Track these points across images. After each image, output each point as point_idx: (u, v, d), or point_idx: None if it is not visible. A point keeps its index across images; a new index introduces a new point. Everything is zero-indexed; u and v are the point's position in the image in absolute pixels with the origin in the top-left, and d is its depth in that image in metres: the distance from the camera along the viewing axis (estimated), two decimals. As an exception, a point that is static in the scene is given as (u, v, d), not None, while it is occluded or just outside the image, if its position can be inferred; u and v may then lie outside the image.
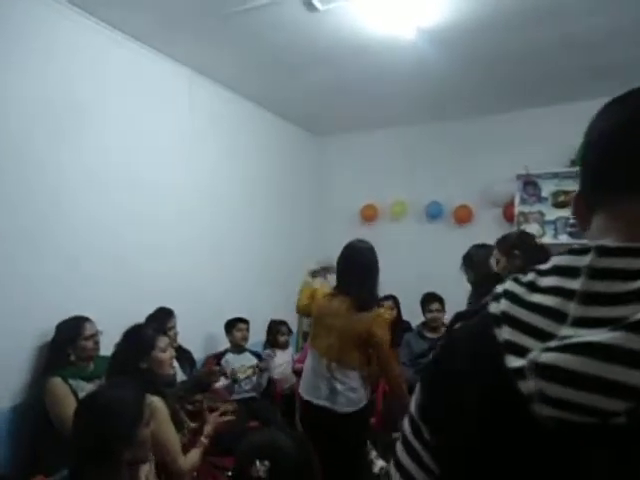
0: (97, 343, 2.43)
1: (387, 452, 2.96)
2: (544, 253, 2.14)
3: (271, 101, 4.31)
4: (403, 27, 2.96)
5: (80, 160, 2.76)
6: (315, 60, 3.41)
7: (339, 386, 2.36)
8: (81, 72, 2.76)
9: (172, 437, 1.78)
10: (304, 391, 2.51)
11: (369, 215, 5.02)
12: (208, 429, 1.97)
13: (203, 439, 1.93)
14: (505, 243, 2.28)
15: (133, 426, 1.32)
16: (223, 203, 3.94)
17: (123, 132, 3.03)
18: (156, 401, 1.74)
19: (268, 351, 3.75)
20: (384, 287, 4.19)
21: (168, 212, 3.39)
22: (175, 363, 3.09)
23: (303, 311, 2.70)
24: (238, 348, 3.56)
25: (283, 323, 3.88)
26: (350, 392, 2.36)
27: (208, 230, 3.76)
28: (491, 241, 4.48)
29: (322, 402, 2.39)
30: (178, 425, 1.94)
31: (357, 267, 2.42)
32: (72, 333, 2.37)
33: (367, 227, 5.06)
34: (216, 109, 3.86)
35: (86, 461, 1.26)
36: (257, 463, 1.02)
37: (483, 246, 2.72)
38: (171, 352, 2.02)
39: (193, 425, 2.04)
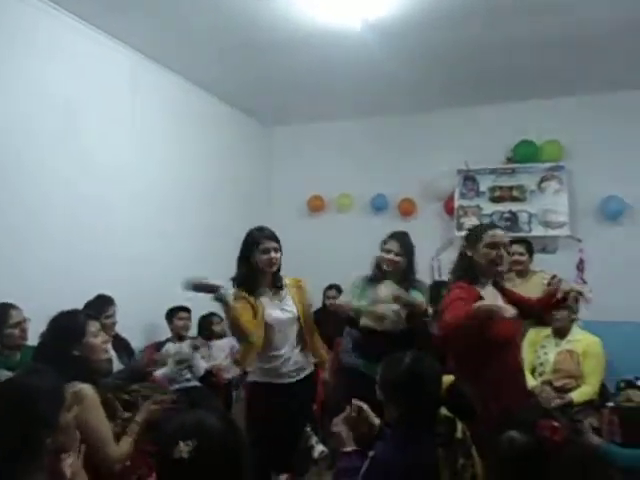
0: (24, 331, 2.33)
1: (328, 439, 3.02)
2: None
3: (219, 88, 4.23)
4: (349, 18, 2.99)
5: (28, 141, 2.68)
6: (262, 48, 3.38)
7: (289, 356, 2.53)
8: (22, 49, 2.63)
9: (102, 425, 1.73)
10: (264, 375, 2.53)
11: (316, 206, 5.05)
12: (140, 416, 1.93)
13: (134, 425, 1.89)
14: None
15: (52, 411, 1.27)
16: (170, 191, 3.86)
17: (67, 114, 2.95)
18: (86, 388, 1.69)
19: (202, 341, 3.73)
20: (329, 276, 4.30)
21: (113, 196, 3.30)
22: (112, 352, 3.01)
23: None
24: (179, 337, 3.50)
25: (213, 314, 3.84)
26: (299, 361, 2.55)
27: (153, 217, 3.67)
28: (433, 233, 4.66)
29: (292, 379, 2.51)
30: (111, 414, 1.89)
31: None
32: (-4, 321, 2.25)
33: (314, 218, 5.10)
34: (162, 94, 3.76)
35: (5, 450, 1.21)
36: (181, 444, 1.00)
37: None
38: (103, 336, 1.96)
39: (127, 414, 2.00)
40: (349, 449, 1.54)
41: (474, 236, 2.15)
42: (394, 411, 1.51)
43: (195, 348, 3.43)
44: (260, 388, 2.51)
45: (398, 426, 1.50)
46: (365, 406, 1.66)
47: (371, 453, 1.45)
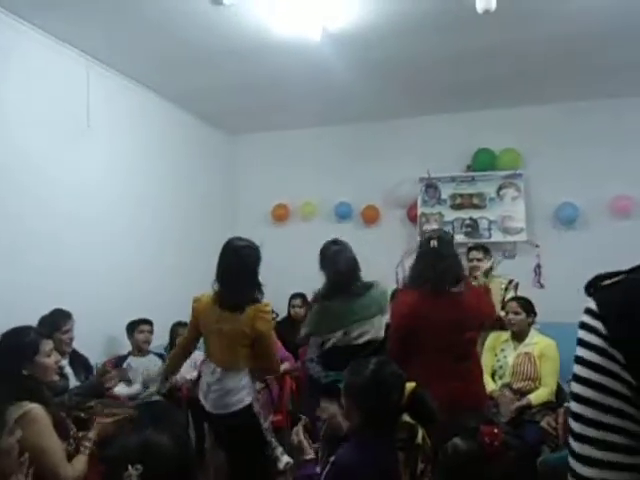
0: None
1: (293, 449, 3.00)
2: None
3: (179, 97, 4.18)
4: (309, 28, 3.01)
5: None
6: (220, 56, 3.37)
7: (213, 391, 2.39)
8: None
9: (53, 445, 1.67)
10: (201, 397, 2.50)
11: (280, 215, 5.05)
12: (92, 433, 1.87)
13: (87, 443, 1.83)
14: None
15: None
16: (130, 202, 3.78)
17: (22, 124, 2.88)
18: (35, 408, 1.63)
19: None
20: (294, 285, 4.30)
21: (71, 207, 3.22)
22: (68, 369, 2.91)
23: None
24: (141, 351, 3.41)
25: (182, 324, 3.78)
26: (229, 394, 2.37)
27: (113, 229, 3.58)
28: (397, 240, 4.72)
29: (209, 406, 2.41)
30: (64, 434, 1.82)
31: (236, 267, 2.40)
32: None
33: (278, 226, 5.09)
34: (117, 101, 3.68)
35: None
36: (130, 468, 0.99)
37: None
38: (56, 356, 1.89)
39: (82, 433, 1.93)
40: (309, 457, 1.55)
41: None
42: (356, 416, 1.53)
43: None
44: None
45: (359, 431, 1.52)
46: (335, 406, 1.69)
47: (332, 458, 1.46)
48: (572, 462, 0.66)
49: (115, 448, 1.06)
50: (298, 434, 1.62)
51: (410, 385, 1.47)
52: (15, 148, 2.86)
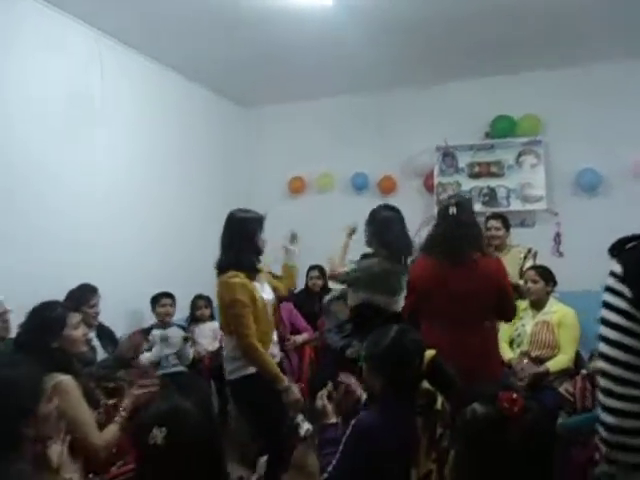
0: (6, 322, 2.31)
1: (313, 417, 3.08)
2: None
3: (195, 71, 4.16)
4: (321, -5, 2.94)
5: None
6: (234, 27, 3.32)
7: (224, 355, 2.48)
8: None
9: (84, 415, 1.74)
10: None
11: (297, 187, 5.04)
12: (126, 403, 1.95)
13: (121, 413, 1.90)
14: None
15: (31, 401, 1.29)
16: (149, 175, 3.82)
17: (37, 100, 2.90)
18: (66, 380, 1.70)
19: (192, 326, 3.76)
20: (311, 258, 4.32)
21: (90, 184, 3.26)
22: (96, 341, 3.02)
23: None
24: (163, 323, 3.51)
25: (201, 297, 3.86)
26: (227, 361, 2.44)
27: (134, 204, 3.64)
28: (414, 210, 4.70)
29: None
30: (93, 404, 1.90)
31: (226, 233, 2.48)
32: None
33: (295, 199, 5.09)
34: (133, 77, 3.68)
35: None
36: (154, 430, 1.03)
37: None
38: (84, 329, 1.96)
39: (110, 402, 2.02)
40: (332, 421, 1.61)
41: None
42: (377, 382, 1.57)
43: (185, 340, 3.45)
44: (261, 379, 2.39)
45: (380, 396, 1.57)
46: (353, 380, 1.74)
47: (353, 421, 1.52)
48: (602, 415, 0.76)
49: (143, 414, 1.11)
50: (322, 398, 1.67)
51: (430, 352, 1.50)
52: (30, 125, 2.89)
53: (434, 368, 1.48)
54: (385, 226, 2.63)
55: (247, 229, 2.44)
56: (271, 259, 2.90)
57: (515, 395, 0.97)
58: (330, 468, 1.45)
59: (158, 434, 1.02)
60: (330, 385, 1.73)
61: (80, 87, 3.24)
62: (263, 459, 2.49)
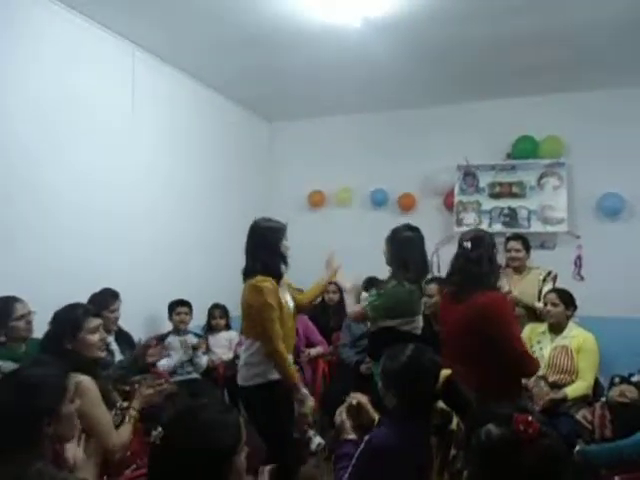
0: (29, 324, 2.37)
1: (325, 432, 3.08)
2: None
3: (220, 83, 4.25)
4: (348, 16, 3.00)
5: (36, 133, 2.76)
6: (262, 43, 3.40)
7: (240, 361, 2.49)
8: (17, 44, 2.65)
9: (102, 415, 1.78)
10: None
11: (316, 201, 5.08)
12: (135, 404, 1.98)
13: (132, 413, 1.94)
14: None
15: (55, 400, 1.32)
16: (169, 185, 3.89)
17: (72, 107, 3.02)
18: (86, 381, 1.74)
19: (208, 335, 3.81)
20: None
21: (115, 194, 3.35)
22: (114, 345, 3.07)
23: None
24: (179, 331, 3.55)
25: (217, 306, 3.90)
26: (245, 367, 2.43)
27: (154, 212, 3.71)
28: (433, 228, 4.70)
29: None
30: (110, 405, 1.94)
31: (251, 241, 2.51)
32: (2, 314, 2.29)
33: (314, 213, 5.13)
34: (159, 87, 3.78)
35: (7, 438, 1.26)
36: (153, 431, 1.07)
37: None
38: (102, 334, 1.99)
39: (126, 404, 2.05)
40: (350, 437, 1.61)
41: None
42: (392, 399, 1.57)
43: (194, 349, 3.49)
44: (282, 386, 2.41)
45: (395, 413, 1.57)
46: (364, 399, 1.73)
47: (366, 437, 1.53)
48: None
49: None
50: (341, 414, 1.68)
51: (445, 372, 1.50)
52: (60, 133, 2.97)
53: (449, 388, 1.48)
54: (406, 247, 2.60)
55: (272, 236, 2.49)
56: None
57: (531, 418, 0.97)
58: None
59: (155, 434, 1.06)
60: (349, 400, 1.74)
61: (111, 100, 3.33)
62: (267, 468, 2.49)
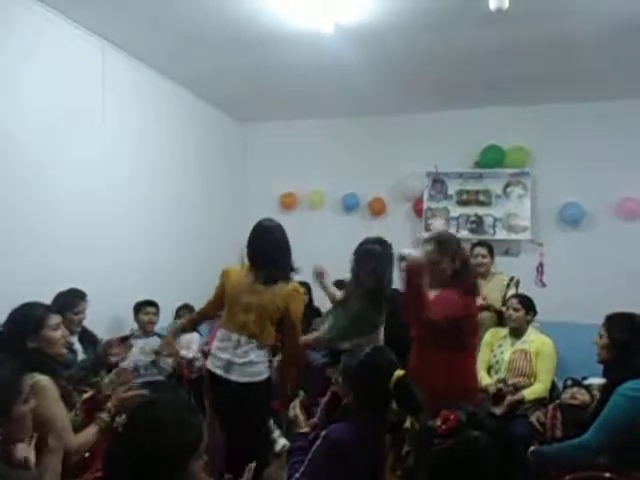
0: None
1: (289, 431, 3.09)
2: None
3: (192, 82, 4.23)
4: (322, 21, 3.03)
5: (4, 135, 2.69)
6: (234, 44, 3.40)
7: (238, 360, 2.44)
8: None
9: (59, 415, 1.75)
10: (209, 364, 2.56)
11: (288, 203, 5.11)
12: (110, 405, 1.93)
13: (103, 416, 1.85)
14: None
15: (5, 401, 1.30)
16: (141, 186, 3.84)
17: (41, 106, 2.96)
18: (43, 380, 1.71)
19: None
20: (299, 274, 4.36)
21: (81, 189, 3.28)
22: (78, 345, 3.01)
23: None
24: (146, 332, 3.51)
25: (187, 307, 3.87)
26: (248, 366, 2.44)
27: (125, 211, 3.66)
28: (402, 233, 4.77)
29: (220, 372, 2.46)
30: (69, 406, 1.91)
31: (269, 244, 2.50)
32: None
33: (286, 215, 5.13)
34: (132, 85, 3.74)
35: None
36: (117, 417, 1.09)
37: None
38: (63, 331, 1.97)
39: (85, 395, 2.01)
40: (304, 430, 1.65)
41: None
42: (350, 396, 1.63)
43: (157, 354, 3.43)
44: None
45: (352, 410, 1.62)
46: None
47: (323, 432, 1.56)
48: None
49: None
50: (295, 408, 1.72)
51: (398, 373, 1.54)
52: (32, 131, 2.92)
53: (400, 388, 1.53)
54: (361, 261, 2.63)
55: (287, 240, 2.56)
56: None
57: (452, 416, 1.01)
58: (297, 475, 1.49)
59: (119, 421, 1.07)
60: (302, 394, 1.77)
61: (81, 95, 3.28)
62: (252, 466, 2.52)
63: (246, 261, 2.67)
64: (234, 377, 2.43)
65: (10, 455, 1.35)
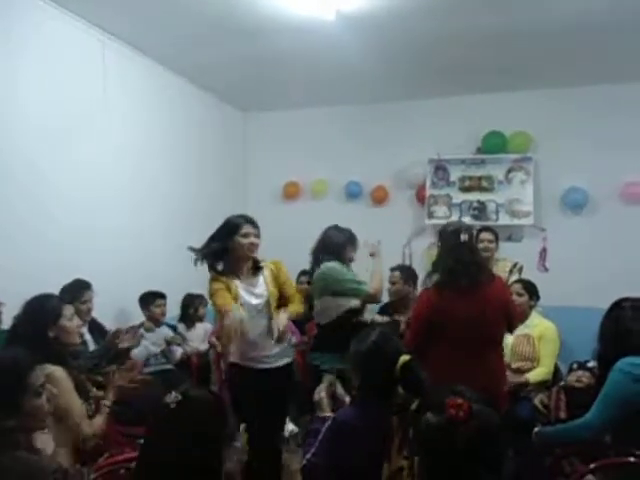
0: (-1, 314, 2.36)
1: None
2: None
3: (193, 72, 4.23)
4: (322, 8, 3.03)
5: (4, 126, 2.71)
6: (235, 33, 3.40)
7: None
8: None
9: (74, 405, 1.80)
10: (242, 358, 2.57)
11: (291, 192, 5.12)
12: (110, 395, 2.00)
13: (106, 403, 1.96)
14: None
15: (14, 395, 1.34)
16: (144, 178, 3.86)
17: (41, 97, 2.96)
18: (57, 371, 1.76)
19: (182, 326, 3.81)
20: (303, 263, 4.39)
21: (84, 182, 3.30)
22: (88, 336, 3.06)
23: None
24: (156, 323, 3.55)
25: (198, 296, 3.91)
26: (284, 350, 2.59)
27: (122, 201, 3.66)
28: (405, 221, 4.78)
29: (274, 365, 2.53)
30: (83, 395, 1.95)
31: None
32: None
33: (289, 204, 5.16)
34: (132, 77, 3.74)
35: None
36: (172, 393, 1.16)
37: None
38: (77, 321, 2.01)
39: (99, 393, 2.07)
40: (325, 414, 1.71)
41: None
42: (357, 380, 1.68)
43: (168, 343, 3.50)
44: (236, 370, 2.58)
45: (359, 393, 1.68)
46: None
47: (333, 415, 1.64)
48: None
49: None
50: (320, 392, 1.78)
51: (404, 357, 1.58)
52: (32, 124, 2.93)
53: (406, 373, 1.56)
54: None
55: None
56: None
57: (460, 400, 1.03)
58: (309, 455, 1.56)
59: (173, 398, 1.12)
60: (329, 379, 1.83)
61: (81, 89, 3.28)
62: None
63: None
64: (284, 361, 2.58)
65: (30, 445, 1.40)
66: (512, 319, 2.42)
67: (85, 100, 3.32)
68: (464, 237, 2.31)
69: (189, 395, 1.17)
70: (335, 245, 2.83)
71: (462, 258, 2.28)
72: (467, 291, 2.24)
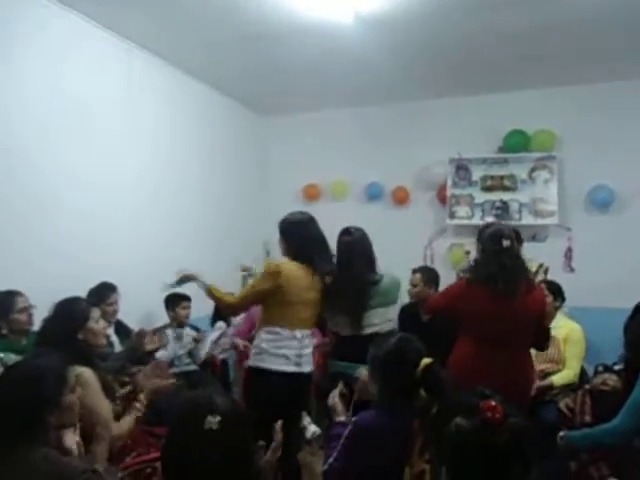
0: (30, 317, 2.42)
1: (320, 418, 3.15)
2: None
3: (214, 78, 4.29)
4: (341, 11, 3.04)
5: (36, 135, 2.80)
6: (255, 39, 3.44)
7: (305, 350, 2.56)
8: (12, 44, 2.69)
9: (102, 405, 1.85)
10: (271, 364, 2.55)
11: (311, 194, 5.13)
12: (142, 397, 2.04)
13: (138, 406, 2.00)
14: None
15: (57, 391, 1.39)
16: (166, 182, 3.93)
17: (72, 107, 3.06)
18: (86, 372, 1.81)
19: (221, 323, 3.87)
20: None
21: (112, 190, 3.39)
22: (114, 337, 3.13)
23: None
24: (180, 325, 3.61)
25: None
26: (311, 356, 2.61)
27: (151, 209, 3.75)
28: (426, 221, 4.75)
29: (291, 368, 2.50)
30: (110, 396, 2.00)
31: (317, 235, 2.74)
32: (3, 307, 2.36)
33: (309, 206, 5.16)
34: (156, 84, 3.82)
35: (13, 428, 1.32)
36: (209, 417, 1.11)
37: None
38: (103, 323, 2.07)
39: (124, 390, 2.12)
40: (341, 419, 1.71)
41: None
42: (376, 385, 1.68)
43: (196, 342, 3.57)
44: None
45: (380, 398, 1.67)
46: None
47: (354, 419, 1.64)
48: None
49: (181, 404, 1.21)
50: (334, 397, 1.79)
51: (425, 361, 1.57)
52: (56, 133, 3.00)
53: (428, 375, 1.56)
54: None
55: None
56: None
57: (494, 402, 1.02)
58: (331, 460, 1.57)
59: (213, 420, 1.11)
60: (341, 384, 1.84)
61: (108, 95, 3.37)
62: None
63: (271, 255, 2.78)
64: (307, 368, 2.56)
65: (60, 442, 1.44)
66: (541, 332, 2.43)
67: (113, 109, 3.40)
68: (506, 244, 2.31)
69: (226, 414, 1.15)
70: (370, 250, 2.82)
71: (505, 264, 2.29)
72: (503, 295, 2.27)
